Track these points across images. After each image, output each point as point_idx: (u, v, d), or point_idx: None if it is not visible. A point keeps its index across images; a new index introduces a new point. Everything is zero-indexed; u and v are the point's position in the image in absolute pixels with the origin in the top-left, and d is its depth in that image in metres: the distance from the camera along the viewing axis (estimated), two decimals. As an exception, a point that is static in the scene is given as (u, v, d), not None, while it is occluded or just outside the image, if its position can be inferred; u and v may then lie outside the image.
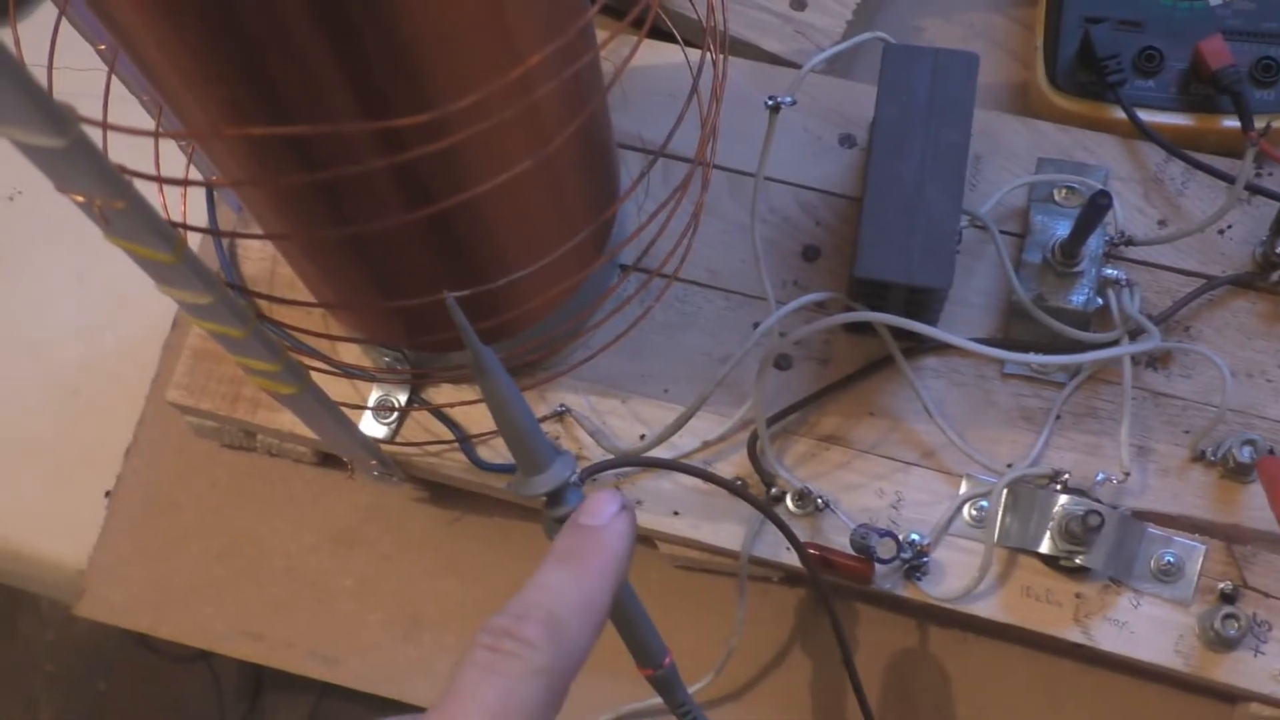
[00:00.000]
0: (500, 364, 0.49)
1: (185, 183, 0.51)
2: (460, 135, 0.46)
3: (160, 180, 0.49)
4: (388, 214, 0.53)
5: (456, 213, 0.53)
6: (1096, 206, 0.62)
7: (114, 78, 0.61)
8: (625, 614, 0.53)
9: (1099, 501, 0.64)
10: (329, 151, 0.48)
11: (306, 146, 0.48)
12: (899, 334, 0.67)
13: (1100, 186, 0.69)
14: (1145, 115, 0.72)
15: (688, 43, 0.76)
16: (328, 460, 0.76)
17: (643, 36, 0.53)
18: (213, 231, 0.71)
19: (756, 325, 0.70)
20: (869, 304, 0.67)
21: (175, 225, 0.45)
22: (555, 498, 0.51)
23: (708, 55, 0.63)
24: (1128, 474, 0.65)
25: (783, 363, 0.70)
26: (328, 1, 0.42)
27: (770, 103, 0.65)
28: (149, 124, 0.64)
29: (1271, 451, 0.65)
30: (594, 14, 0.49)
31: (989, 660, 0.70)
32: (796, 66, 0.75)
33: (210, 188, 0.73)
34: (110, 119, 0.59)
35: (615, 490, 0.50)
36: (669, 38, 0.74)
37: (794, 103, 0.65)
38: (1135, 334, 0.67)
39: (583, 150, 0.61)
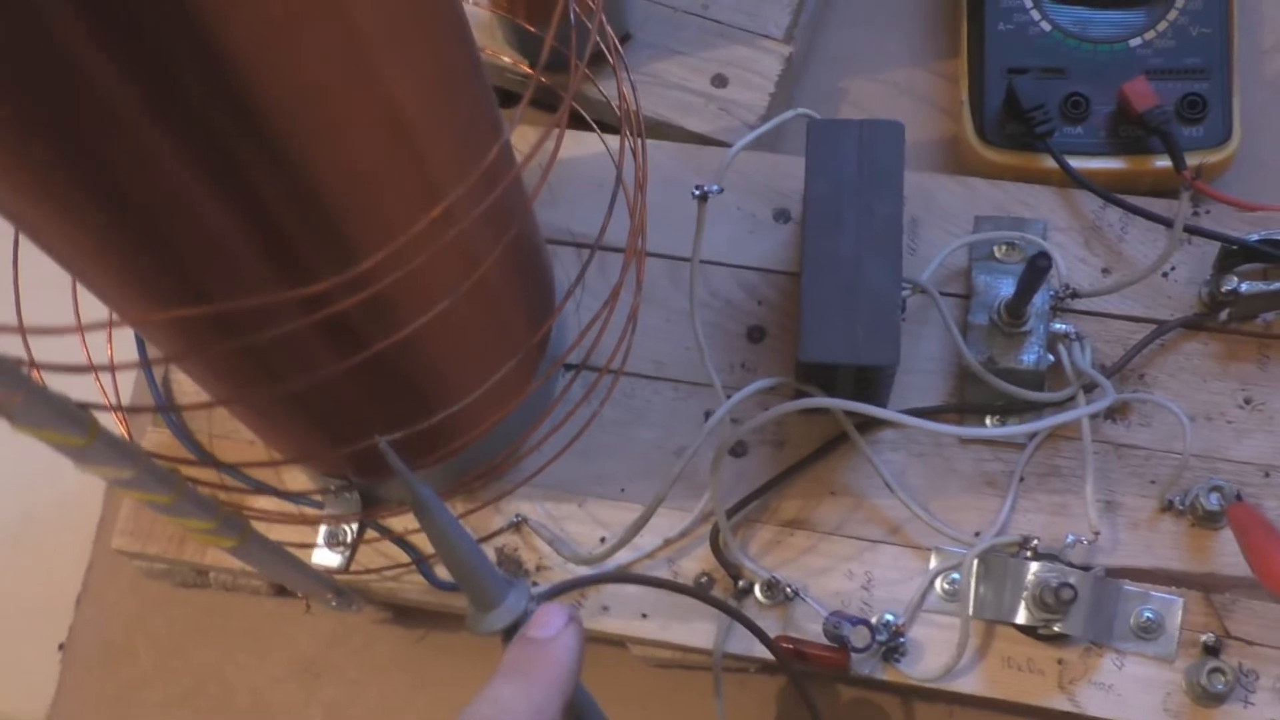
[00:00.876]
0: (440, 500, 0.48)
1: (106, 370, 0.49)
2: (384, 283, 0.44)
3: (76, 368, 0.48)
4: (318, 366, 0.51)
5: (390, 353, 0.52)
6: (1036, 268, 0.61)
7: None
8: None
9: (1071, 565, 0.63)
10: (248, 319, 0.47)
11: (224, 316, 0.46)
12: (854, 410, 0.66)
13: (1039, 243, 0.69)
14: (1077, 162, 0.71)
15: (611, 128, 0.75)
16: (286, 590, 0.74)
17: (561, 133, 0.52)
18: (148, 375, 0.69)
19: (708, 414, 0.68)
20: (818, 384, 0.65)
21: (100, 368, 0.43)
22: (513, 631, 0.50)
23: (629, 143, 0.62)
24: (1097, 533, 0.64)
25: (738, 450, 0.68)
26: (221, 168, 0.40)
27: (697, 192, 0.64)
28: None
29: (1239, 496, 0.64)
30: (510, 134, 0.48)
31: (977, 732, 0.69)
32: (724, 144, 0.74)
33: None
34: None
35: (564, 606, 0.49)
36: (590, 126, 0.73)
37: (721, 190, 0.64)
38: (1089, 388, 0.66)
39: (513, 264, 0.59)
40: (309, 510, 0.68)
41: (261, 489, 0.69)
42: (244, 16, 0.37)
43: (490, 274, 0.55)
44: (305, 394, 0.55)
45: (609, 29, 0.67)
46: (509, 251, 0.57)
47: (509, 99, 0.81)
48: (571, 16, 0.60)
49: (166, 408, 0.70)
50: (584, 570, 0.66)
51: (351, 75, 0.42)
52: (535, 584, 0.67)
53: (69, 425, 0.41)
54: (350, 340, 0.50)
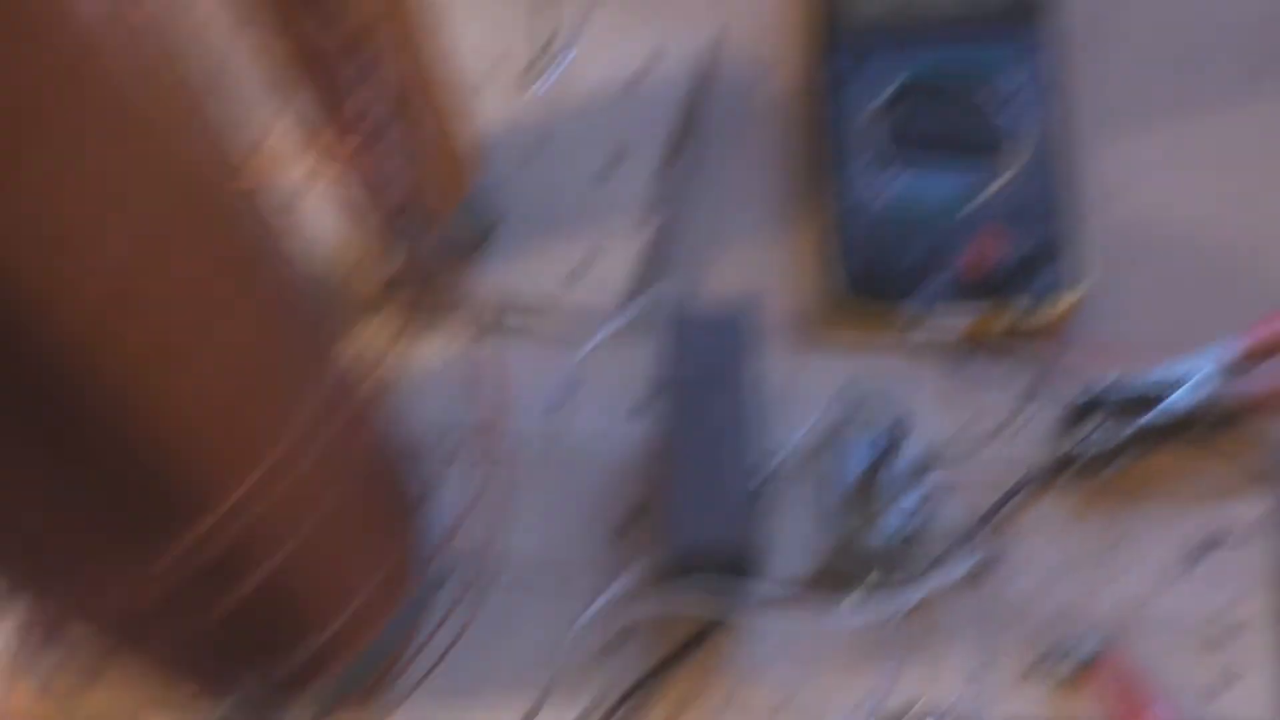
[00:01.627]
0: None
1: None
2: (238, 529, 0.45)
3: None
4: (179, 616, 0.52)
5: (254, 594, 0.52)
6: (890, 440, 0.62)
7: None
8: None
9: (949, 730, 0.64)
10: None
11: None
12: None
13: (896, 412, 0.70)
14: (936, 319, 0.73)
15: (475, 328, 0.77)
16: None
17: (397, 340, 0.53)
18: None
19: (587, 606, 0.69)
20: (689, 574, 0.66)
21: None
22: None
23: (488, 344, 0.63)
24: (973, 694, 0.65)
25: (618, 643, 0.69)
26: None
27: (555, 391, 0.65)
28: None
29: (1105, 647, 0.66)
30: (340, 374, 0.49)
31: None
32: (589, 331, 0.75)
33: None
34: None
35: None
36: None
37: (578, 386, 0.65)
38: (956, 550, 0.67)
39: (369, 484, 0.60)
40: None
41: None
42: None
43: (346, 499, 0.56)
44: (167, 638, 0.55)
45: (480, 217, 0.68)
46: (362, 475, 0.58)
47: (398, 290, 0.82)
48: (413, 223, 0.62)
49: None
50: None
51: (178, 350, 0.43)
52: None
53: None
54: (214, 585, 0.51)
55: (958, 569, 0.66)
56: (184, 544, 0.47)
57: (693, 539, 0.63)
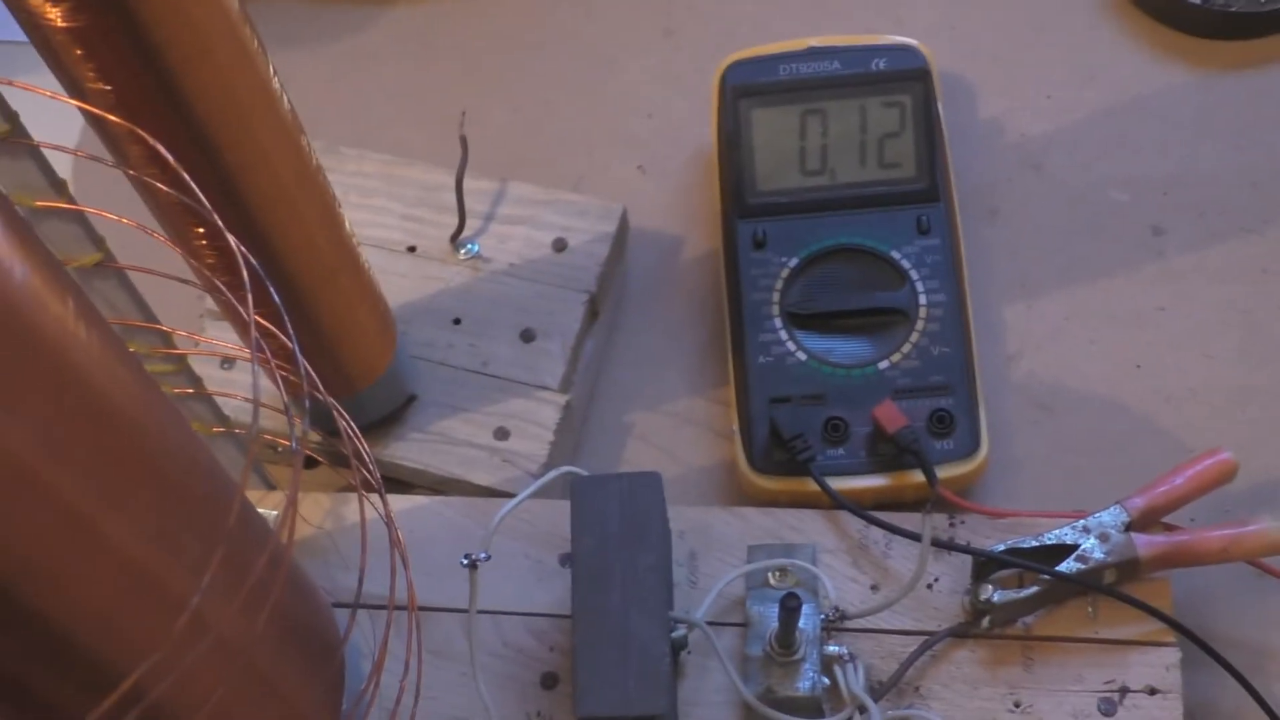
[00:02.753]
0: None
1: None
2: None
3: None
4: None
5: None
6: (788, 609, 0.64)
7: None
8: None
9: None
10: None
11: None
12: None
13: (808, 568, 0.72)
14: (841, 483, 0.76)
15: (403, 486, 0.79)
16: None
17: (290, 509, 0.54)
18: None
19: (506, 769, 0.70)
20: (606, 733, 0.67)
21: None
22: None
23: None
24: None
25: (538, 804, 0.69)
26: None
27: (466, 561, 0.67)
28: None
29: (1014, 805, 0.66)
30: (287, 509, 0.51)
31: None
32: (509, 494, 0.77)
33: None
34: None
35: None
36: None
37: (488, 558, 0.67)
38: (865, 707, 0.69)
39: (282, 640, 0.61)
40: None
41: None
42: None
43: (256, 656, 0.57)
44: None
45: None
46: (273, 628, 0.59)
47: (311, 461, 0.84)
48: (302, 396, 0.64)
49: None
50: None
51: (71, 541, 0.45)
52: None
53: None
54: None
55: (870, 726, 0.67)
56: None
57: (600, 704, 0.64)
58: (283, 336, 0.60)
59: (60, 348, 0.42)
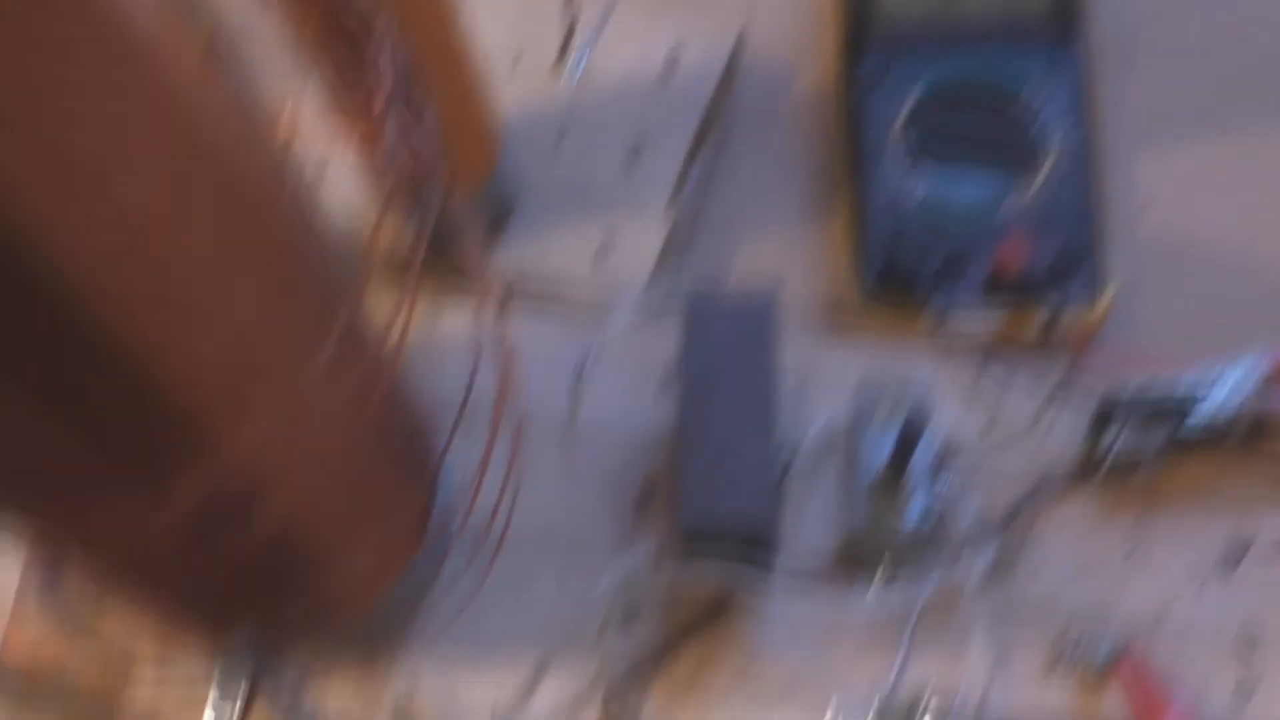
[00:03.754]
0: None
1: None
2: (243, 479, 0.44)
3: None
4: (182, 559, 0.51)
5: (256, 540, 0.52)
6: (913, 428, 0.61)
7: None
8: None
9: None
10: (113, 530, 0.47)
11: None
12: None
13: (920, 403, 0.69)
14: (957, 321, 0.73)
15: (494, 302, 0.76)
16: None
17: (410, 306, 0.52)
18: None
19: (598, 579, 0.68)
20: (704, 549, 0.65)
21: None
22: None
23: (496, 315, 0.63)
24: (986, 687, 0.63)
25: (630, 615, 0.68)
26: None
27: (571, 372, 0.64)
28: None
29: (1126, 648, 0.64)
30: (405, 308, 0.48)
31: None
32: (609, 314, 0.75)
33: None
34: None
35: None
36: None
37: (595, 369, 0.64)
38: (975, 543, 0.66)
39: (381, 439, 0.59)
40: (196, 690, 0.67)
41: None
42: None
43: (354, 452, 0.55)
44: (167, 582, 0.55)
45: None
46: (375, 427, 0.57)
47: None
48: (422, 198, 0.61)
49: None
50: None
51: (189, 302, 0.42)
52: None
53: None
54: (215, 533, 0.50)
55: (978, 563, 0.64)
56: (191, 484, 0.46)
57: (705, 517, 0.61)
58: (398, 130, 0.58)
59: (190, 103, 0.40)
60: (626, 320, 0.70)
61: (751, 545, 0.63)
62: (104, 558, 0.54)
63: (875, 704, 0.63)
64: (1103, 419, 0.68)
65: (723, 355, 0.65)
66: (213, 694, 0.67)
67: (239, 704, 0.67)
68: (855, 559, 0.67)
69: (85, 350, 0.40)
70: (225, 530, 0.51)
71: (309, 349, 0.50)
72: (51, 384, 0.41)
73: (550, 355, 0.72)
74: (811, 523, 0.69)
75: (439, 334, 0.73)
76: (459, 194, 0.72)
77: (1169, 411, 0.67)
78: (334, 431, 0.54)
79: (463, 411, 0.60)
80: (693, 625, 0.67)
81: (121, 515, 0.48)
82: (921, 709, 0.63)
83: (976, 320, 0.74)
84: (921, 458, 0.67)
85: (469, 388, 0.61)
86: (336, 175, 0.76)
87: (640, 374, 0.73)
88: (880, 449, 0.68)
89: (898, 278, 0.74)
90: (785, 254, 0.82)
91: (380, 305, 0.74)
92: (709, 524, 0.61)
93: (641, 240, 0.77)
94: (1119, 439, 0.67)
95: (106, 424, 0.44)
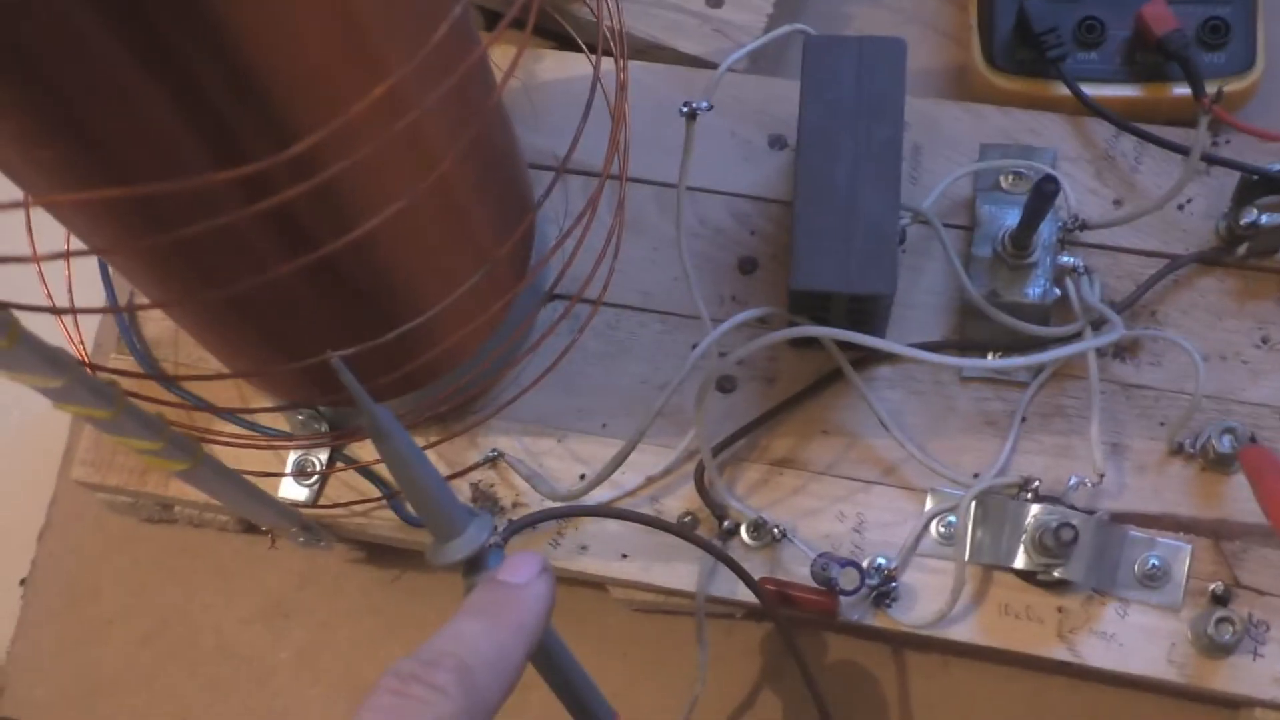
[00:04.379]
0: (399, 424, 0.45)
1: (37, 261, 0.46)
2: (328, 173, 0.41)
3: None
4: (265, 267, 0.48)
5: (344, 257, 0.48)
6: (1043, 194, 0.57)
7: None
8: (561, 675, 0.49)
9: (1073, 508, 0.60)
10: (183, 207, 0.43)
11: (156, 205, 0.43)
12: (848, 344, 0.62)
13: (1047, 170, 0.65)
14: (1091, 89, 0.68)
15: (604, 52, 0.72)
16: (255, 527, 0.71)
17: (526, 39, 0.48)
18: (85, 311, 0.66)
19: (695, 347, 0.65)
20: (811, 316, 0.62)
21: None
22: (474, 564, 0.47)
23: (608, 61, 0.58)
24: (1102, 475, 0.61)
25: (726, 385, 0.65)
26: (144, 36, 0.37)
27: (685, 109, 0.60)
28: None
29: (1253, 439, 0.61)
30: (460, 13, 0.44)
31: (972, 684, 0.66)
32: (718, 66, 0.70)
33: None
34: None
35: (537, 554, 0.45)
36: (574, 45, 0.70)
37: (710, 108, 0.60)
38: (1098, 324, 0.62)
39: (481, 172, 0.56)
40: (275, 439, 0.65)
41: (221, 414, 0.66)
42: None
43: (452, 176, 0.52)
44: (255, 301, 0.52)
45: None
46: (474, 154, 0.53)
47: (492, 19, 0.77)
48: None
49: (117, 309, 0.67)
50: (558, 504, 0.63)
51: None
52: (511, 520, 0.64)
53: (-16, 324, 0.38)
54: (297, 238, 0.47)
55: (1095, 341, 0.61)
56: (272, 160, 0.42)
57: (818, 277, 0.58)
58: None
59: None
60: (738, 73, 0.66)
61: (866, 311, 0.60)
62: (178, 262, 0.50)
63: (978, 485, 0.60)
64: (1245, 195, 0.63)
65: (846, 105, 0.60)
66: (292, 451, 0.66)
67: (322, 461, 0.65)
68: (971, 334, 0.64)
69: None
70: (306, 235, 0.47)
71: (412, 36, 0.46)
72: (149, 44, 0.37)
73: (654, 110, 0.68)
74: (925, 295, 0.65)
75: (548, 79, 0.69)
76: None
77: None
78: (427, 142, 0.50)
79: (568, 157, 0.57)
80: (793, 399, 0.64)
81: (204, 198, 0.44)
82: (1029, 492, 0.60)
83: (1113, 89, 0.69)
84: (1045, 231, 0.63)
85: (576, 136, 0.58)
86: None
87: (748, 131, 0.69)
88: (1003, 219, 0.64)
89: (1028, 40, 0.69)
90: (909, 12, 0.78)
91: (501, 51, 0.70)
92: (823, 281, 0.58)
93: (752, -8, 0.72)
94: (1264, 215, 0.62)
95: (203, 89, 0.40)
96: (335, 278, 0.51)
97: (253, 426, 0.65)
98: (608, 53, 0.62)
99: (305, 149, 0.39)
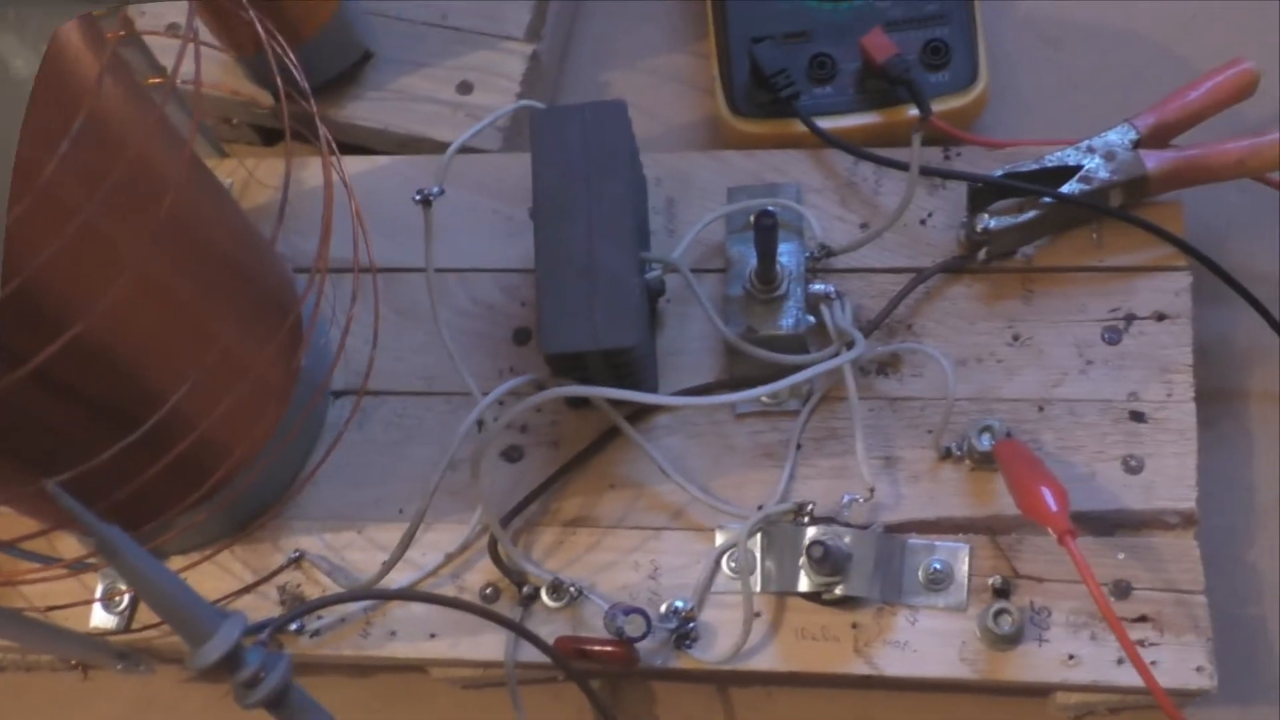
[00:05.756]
0: (130, 541, 0.46)
1: None
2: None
3: None
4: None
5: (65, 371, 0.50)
6: (762, 227, 0.60)
7: None
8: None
9: (849, 525, 0.62)
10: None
11: None
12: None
13: (793, 206, 0.67)
14: (830, 122, 0.71)
15: (361, 150, 0.74)
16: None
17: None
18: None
19: (481, 424, 0.66)
20: (573, 376, 0.64)
21: None
22: (233, 663, 0.48)
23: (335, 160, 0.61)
24: (872, 490, 0.62)
25: (514, 455, 0.67)
26: None
27: (418, 197, 0.62)
28: None
29: (1009, 434, 0.63)
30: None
31: (797, 710, 0.67)
32: (477, 150, 0.72)
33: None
34: None
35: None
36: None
37: (442, 192, 0.63)
38: (854, 344, 0.65)
39: (213, 280, 0.58)
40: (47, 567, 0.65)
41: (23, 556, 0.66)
42: None
43: (163, 283, 0.53)
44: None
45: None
46: (195, 264, 0.55)
47: (271, 135, 0.80)
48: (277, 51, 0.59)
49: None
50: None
51: None
52: (320, 616, 0.65)
53: None
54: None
55: (844, 358, 0.63)
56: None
57: (565, 339, 0.60)
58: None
59: None
60: (494, 153, 0.68)
61: (624, 364, 0.62)
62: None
63: (756, 517, 0.62)
64: (977, 202, 0.66)
65: (576, 168, 0.62)
66: (100, 578, 0.66)
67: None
68: (738, 372, 0.66)
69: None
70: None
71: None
72: None
73: (403, 199, 0.70)
74: (691, 341, 0.67)
75: (296, 192, 0.71)
76: (293, 42, 0.70)
77: (1045, 184, 0.65)
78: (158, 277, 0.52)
79: (318, 262, 0.59)
80: (577, 459, 0.66)
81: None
82: (805, 516, 0.62)
83: (850, 119, 0.72)
84: (791, 262, 0.65)
85: (322, 237, 0.60)
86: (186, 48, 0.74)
87: (509, 208, 0.71)
88: (750, 259, 0.66)
89: (763, 83, 0.72)
90: (664, 72, 0.81)
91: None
92: (569, 343, 0.60)
93: (502, 71, 0.75)
94: (994, 220, 0.65)
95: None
96: (98, 404, 0.53)
97: (35, 556, 0.66)
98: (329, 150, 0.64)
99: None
